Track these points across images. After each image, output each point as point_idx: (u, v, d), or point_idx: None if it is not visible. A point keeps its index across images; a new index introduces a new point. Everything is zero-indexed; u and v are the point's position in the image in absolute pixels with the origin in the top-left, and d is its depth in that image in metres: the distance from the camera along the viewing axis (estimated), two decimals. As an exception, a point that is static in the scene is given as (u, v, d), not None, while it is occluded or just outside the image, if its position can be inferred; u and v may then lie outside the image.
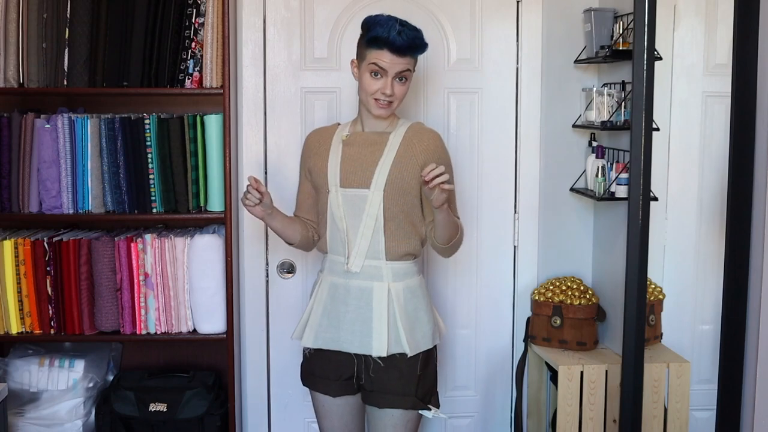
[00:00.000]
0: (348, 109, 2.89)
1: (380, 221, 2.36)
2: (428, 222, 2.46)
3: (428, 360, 2.43)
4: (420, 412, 2.41)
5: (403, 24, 2.30)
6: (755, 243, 2.22)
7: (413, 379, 2.38)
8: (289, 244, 2.56)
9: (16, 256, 2.76)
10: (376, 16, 2.34)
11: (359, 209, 2.37)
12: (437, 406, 2.44)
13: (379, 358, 2.36)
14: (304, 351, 2.51)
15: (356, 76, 2.40)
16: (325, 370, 2.44)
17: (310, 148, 2.51)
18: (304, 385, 2.54)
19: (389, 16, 2.32)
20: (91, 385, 2.89)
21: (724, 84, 2.31)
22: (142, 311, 2.80)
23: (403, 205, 2.39)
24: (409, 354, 2.36)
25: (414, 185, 2.39)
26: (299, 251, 2.94)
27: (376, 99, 2.34)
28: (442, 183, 2.19)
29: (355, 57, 2.41)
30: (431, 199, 2.26)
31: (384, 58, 2.29)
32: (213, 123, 2.78)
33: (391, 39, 2.26)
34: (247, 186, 2.37)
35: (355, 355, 2.39)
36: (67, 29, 2.70)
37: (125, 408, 2.81)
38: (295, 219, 2.56)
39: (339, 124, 2.55)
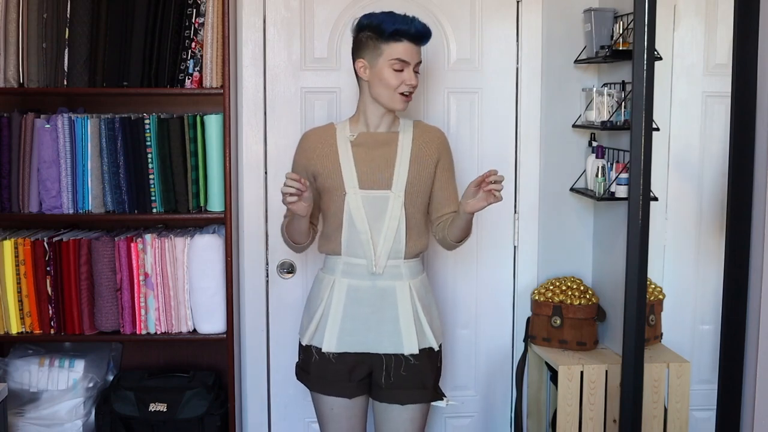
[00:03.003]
0: (348, 109, 2.89)
1: (402, 222, 2.39)
2: (435, 218, 2.51)
3: (441, 351, 2.52)
4: (434, 403, 2.47)
5: (399, 14, 2.36)
6: (755, 243, 2.22)
7: (433, 372, 2.47)
8: (298, 244, 2.51)
9: (16, 256, 2.76)
10: (372, 14, 2.37)
11: (380, 211, 2.38)
12: (444, 394, 2.51)
13: (411, 354, 2.40)
14: (310, 354, 2.45)
15: (365, 77, 2.38)
16: (339, 373, 2.42)
17: (312, 149, 2.46)
18: (312, 390, 2.48)
19: (386, 12, 2.36)
20: (91, 385, 2.89)
21: (724, 84, 2.31)
22: (142, 311, 2.80)
23: (420, 205, 2.45)
24: (436, 348, 2.45)
25: (429, 184, 2.46)
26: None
27: (401, 93, 2.35)
28: (496, 191, 2.22)
29: (361, 58, 2.38)
30: (468, 203, 2.28)
31: (405, 49, 2.33)
32: (213, 123, 2.79)
33: (414, 29, 2.32)
34: (287, 183, 2.22)
35: (384, 355, 2.41)
36: (67, 29, 2.70)
37: (125, 408, 2.81)
38: None
39: (333, 124, 2.53)
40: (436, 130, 2.54)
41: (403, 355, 2.40)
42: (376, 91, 2.37)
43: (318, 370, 2.44)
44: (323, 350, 2.40)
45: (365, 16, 2.38)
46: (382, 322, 2.40)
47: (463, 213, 2.33)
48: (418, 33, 2.33)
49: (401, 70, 2.33)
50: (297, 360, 2.56)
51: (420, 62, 2.39)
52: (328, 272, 2.46)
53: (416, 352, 2.40)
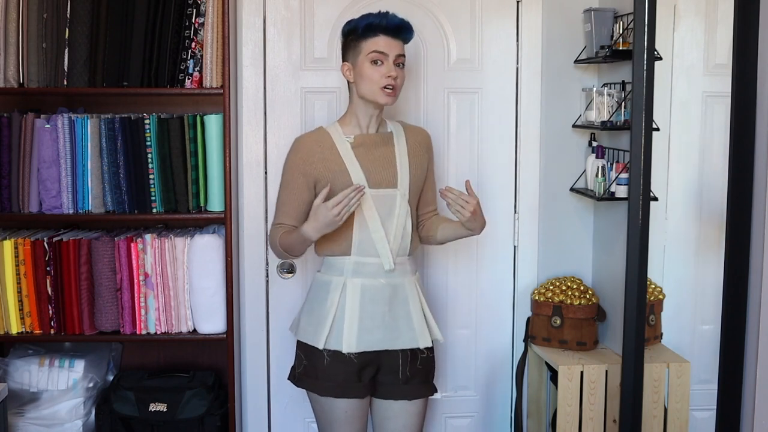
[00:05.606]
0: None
1: (408, 219, 2.46)
2: (421, 215, 2.62)
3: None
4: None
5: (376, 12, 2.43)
6: (755, 243, 2.22)
7: (433, 365, 2.56)
8: (298, 256, 2.51)
9: (16, 256, 2.76)
10: (352, 19, 2.44)
11: (389, 209, 2.43)
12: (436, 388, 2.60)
13: (426, 348, 2.48)
14: (320, 357, 2.42)
15: (351, 78, 2.44)
16: (351, 374, 2.41)
17: (312, 153, 2.44)
18: (323, 395, 2.44)
19: (365, 14, 2.43)
20: (91, 385, 2.89)
21: (724, 84, 2.31)
22: (142, 311, 2.80)
23: (415, 202, 2.54)
24: (441, 340, 2.53)
25: (423, 183, 2.56)
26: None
27: (383, 87, 2.38)
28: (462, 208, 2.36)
29: (345, 61, 2.45)
30: (464, 216, 2.38)
31: (381, 42, 2.37)
32: (213, 123, 2.79)
33: (386, 21, 2.37)
34: (353, 197, 2.28)
35: (401, 351, 2.45)
36: (67, 29, 2.70)
37: (125, 408, 2.82)
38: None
39: (323, 128, 2.52)
40: (422, 130, 2.63)
41: (418, 349, 2.47)
42: (362, 90, 2.41)
43: (329, 374, 2.42)
44: (344, 351, 2.39)
45: (347, 23, 2.45)
46: (397, 318, 2.44)
47: (464, 223, 2.43)
48: (391, 25, 2.37)
49: (381, 64, 2.37)
50: (295, 367, 2.55)
51: (402, 56, 2.41)
52: (335, 273, 2.46)
53: (430, 344, 2.48)
